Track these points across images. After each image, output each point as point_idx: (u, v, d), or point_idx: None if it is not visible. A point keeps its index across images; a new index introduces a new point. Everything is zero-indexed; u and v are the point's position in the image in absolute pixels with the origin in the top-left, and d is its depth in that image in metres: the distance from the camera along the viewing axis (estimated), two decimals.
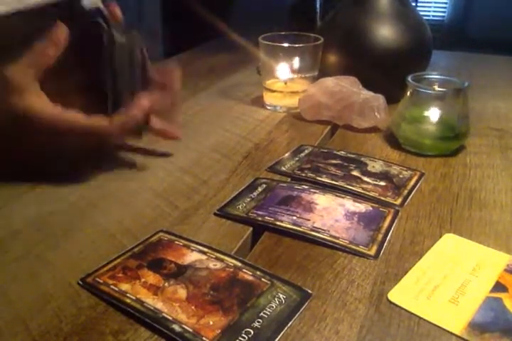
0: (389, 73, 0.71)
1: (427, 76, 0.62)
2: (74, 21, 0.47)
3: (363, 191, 0.52)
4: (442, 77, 0.62)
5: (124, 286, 0.38)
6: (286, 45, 0.72)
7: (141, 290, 0.37)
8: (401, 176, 0.55)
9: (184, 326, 0.34)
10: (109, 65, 0.48)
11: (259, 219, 0.47)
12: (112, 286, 0.38)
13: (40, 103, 0.46)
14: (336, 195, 0.51)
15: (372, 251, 0.43)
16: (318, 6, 1.05)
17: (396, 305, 0.37)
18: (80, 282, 0.39)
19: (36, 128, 0.46)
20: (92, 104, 0.48)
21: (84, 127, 0.47)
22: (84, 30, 0.47)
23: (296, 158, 0.60)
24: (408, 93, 0.61)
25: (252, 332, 0.34)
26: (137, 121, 0.49)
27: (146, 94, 0.51)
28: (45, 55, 0.46)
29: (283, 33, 0.75)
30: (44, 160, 0.51)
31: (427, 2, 3.39)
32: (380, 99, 0.67)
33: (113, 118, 0.48)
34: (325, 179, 0.54)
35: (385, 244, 0.44)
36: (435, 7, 3.40)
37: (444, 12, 3.37)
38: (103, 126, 0.48)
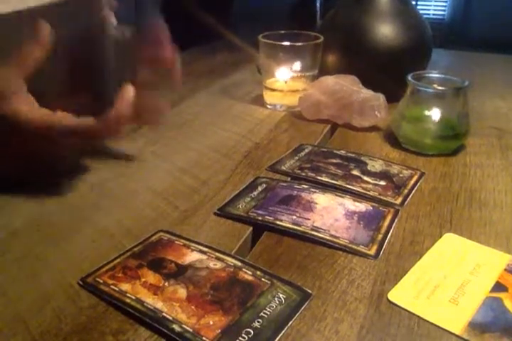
0: (389, 72, 0.71)
1: (427, 75, 0.62)
2: (73, 20, 0.47)
3: (363, 190, 0.52)
4: (442, 75, 0.62)
5: (124, 286, 0.38)
6: (286, 43, 0.72)
7: (141, 290, 0.37)
8: (401, 175, 0.55)
9: (184, 326, 0.34)
10: (106, 64, 0.47)
11: (260, 218, 0.47)
12: (112, 286, 0.38)
13: (26, 106, 0.44)
14: (336, 195, 0.51)
15: (372, 251, 0.43)
16: (318, 4, 1.05)
17: (396, 305, 0.37)
18: (80, 282, 0.39)
19: (24, 132, 0.45)
20: (84, 104, 0.47)
21: (72, 128, 0.45)
22: (83, 29, 0.47)
23: (296, 158, 0.60)
24: (408, 92, 0.61)
25: (252, 332, 0.34)
26: (126, 115, 0.47)
27: (130, 86, 0.48)
28: (31, 56, 0.44)
29: (283, 31, 0.75)
30: (35, 165, 0.50)
31: (428, 1, 3.38)
32: (380, 98, 0.66)
33: (101, 117, 0.46)
34: (325, 178, 0.54)
35: (385, 243, 0.44)
36: (435, 6, 3.39)
37: (444, 11, 3.36)
38: (91, 126, 0.46)
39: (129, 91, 0.47)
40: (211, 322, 0.34)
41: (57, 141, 0.47)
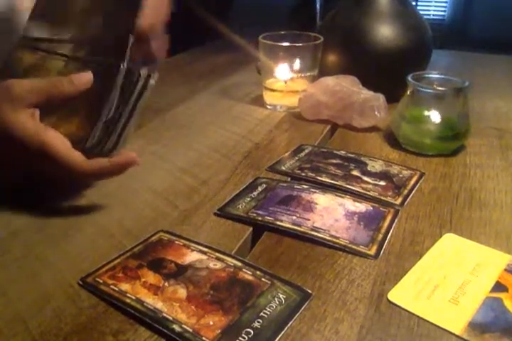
0: (389, 72, 0.71)
1: (427, 75, 0.62)
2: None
3: (362, 191, 0.52)
4: (442, 76, 0.62)
5: (124, 286, 0.38)
6: (286, 44, 0.72)
7: (141, 290, 0.37)
8: (401, 176, 0.55)
9: (184, 326, 0.34)
10: (112, 101, 0.47)
11: (259, 218, 0.47)
12: (112, 286, 0.38)
13: (25, 118, 0.44)
14: (336, 195, 0.51)
15: (372, 251, 0.43)
16: (318, 5, 1.05)
17: (396, 305, 0.37)
18: (80, 282, 0.39)
19: (14, 144, 0.44)
20: (79, 127, 0.47)
21: (60, 156, 0.45)
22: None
23: (296, 158, 0.60)
24: (408, 92, 0.61)
25: (252, 332, 0.34)
26: (113, 174, 0.47)
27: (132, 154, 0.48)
28: (59, 89, 0.45)
29: (283, 32, 0.75)
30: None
31: (427, 1, 3.38)
32: (380, 99, 0.66)
33: (92, 161, 0.46)
34: (325, 179, 0.54)
35: (385, 243, 0.44)
36: (435, 6, 3.39)
37: (444, 11, 3.36)
38: (77, 164, 0.45)
39: (132, 158, 0.47)
40: (211, 322, 0.34)
41: (64, 174, 0.47)
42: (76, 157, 0.45)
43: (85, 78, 0.47)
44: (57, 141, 0.45)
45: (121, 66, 0.47)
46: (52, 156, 0.44)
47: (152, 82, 0.47)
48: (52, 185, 0.51)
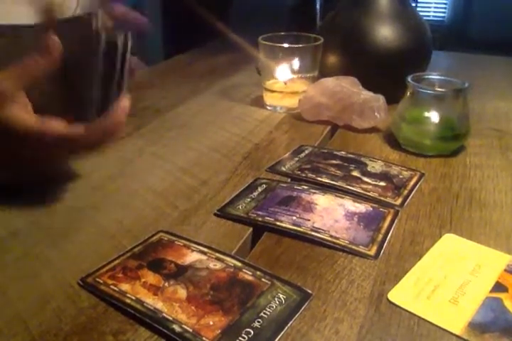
0: (389, 73, 0.71)
1: (427, 76, 0.62)
2: (69, 27, 0.46)
3: (362, 191, 0.52)
4: (442, 77, 0.62)
5: (124, 286, 0.38)
6: (286, 45, 0.72)
7: (141, 291, 0.37)
8: (401, 176, 0.55)
9: (184, 326, 0.34)
10: (100, 70, 0.47)
11: (260, 219, 0.47)
12: (112, 286, 0.38)
13: (22, 113, 0.44)
14: (336, 195, 0.51)
15: (372, 252, 0.43)
16: (318, 6, 1.05)
17: (396, 305, 0.37)
18: (80, 282, 0.39)
19: (19, 138, 0.44)
20: (75, 109, 0.47)
21: (67, 136, 0.45)
22: (79, 35, 0.47)
23: (296, 159, 0.60)
24: (408, 93, 0.61)
25: (252, 332, 0.34)
26: (120, 123, 0.47)
27: (126, 96, 0.48)
28: (36, 67, 0.45)
29: (283, 33, 0.75)
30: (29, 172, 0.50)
31: (427, 2, 3.39)
32: (380, 100, 0.67)
33: (92, 125, 0.46)
34: (325, 179, 0.54)
35: (385, 244, 0.44)
36: (435, 7, 3.40)
37: (444, 12, 3.37)
38: (85, 133, 0.45)
39: (126, 101, 0.47)
40: (211, 323, 0.34)
41: (50, 149, 0.46)
42: (77, 128, 0.45)
43: (53, 44, 0.45)
44: (56, 125, 0.44)
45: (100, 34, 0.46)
46: (58, 140, 0.44)
47: (130, 42, 0.47)
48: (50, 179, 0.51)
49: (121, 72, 0.48)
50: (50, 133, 0.44)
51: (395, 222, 0.47)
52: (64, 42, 0.45)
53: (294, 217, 0.47)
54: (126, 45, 0.48)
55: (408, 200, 0.51)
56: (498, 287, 0.39)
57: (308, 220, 0.46)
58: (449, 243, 0.44)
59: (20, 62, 0.45)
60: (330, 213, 0.48)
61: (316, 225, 0.46)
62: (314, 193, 0.51)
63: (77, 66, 0.46)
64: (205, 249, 0.42)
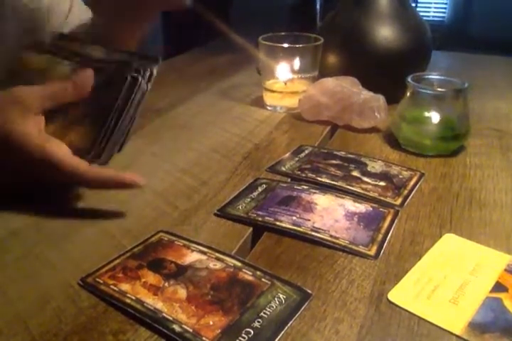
0: (389, 73, 0.71)
1: (426, 76, 0.62)
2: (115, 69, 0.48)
3: (362, 191, 0.52)
4: (442, 77, 0.62)
5: (124, 286, 0.38)
6: (286, 45, 0.72)
7: (141, 290, 0.37)
8: (401, 176, 0.55)
9: (184, 326, 0.34)
10: (123, 108, 0.47)
11: (259, 219, 0.47)
12: (112, 286, 0.38)
13: (33, 131, 0.45)
14: (336, 195, 0.51)
15: (372, 252, 0.43)
16: (318, 6, 1.05)
17: (396, 305, 0.37)
18: (80, 282, 0.39)
19: (19, 154, 0.45)
20: (82, 137, 0.48)
21: (63, 164, 0.45)
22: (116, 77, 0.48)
23: (296, 159, 0.60)
24: (408, 93, 0.61)
25: (252, 332, 0.34)
26: (115, 187, 0.48)
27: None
28: (64, 94, 0.46)
29: (283, 33, 0.75)
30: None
31: (427, 3, 3.39)
32: (380, 100, 0.67)
33: (98, 169, 0.47)
34: (325, 179, 0.54)
35: (385, 244, 0.44)
36: (435, 7, 3.40)
37: (444, 12, 3.37)
38: (81, 171, 0.45)
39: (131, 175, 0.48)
40: (211, 323, 0.34)
41: (50, 171, 0.46)
42: (80, 164, 0.45)
43: (87, 81, 0.47)
44: (60, 149, 0.45)
45: (128, 77, 0.47)
46: (55, 164, 0.44)
47: (148, 87, 0.48)
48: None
49: (135, 113, 0.49)
50: (53, 155, 0.44)
51: (395, 221, 0.47)
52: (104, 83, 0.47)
53: (294, 217, 0.47)
54: (144, 92, 0.48)
55: (408, 200, 0.51)
56: (498, 287, 0.39)
57: (309, 220, 0.46)
58: (449, 243, 0.44)
59: (52, 84, 0.46)
60: (330, 213, 0.48)
61: (316, 225, 0.46)
62: (314, 193, 0.51)
63: (106, 107, 0.47)
64: (205, 249, 0.42)
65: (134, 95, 0.47)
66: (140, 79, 0.47)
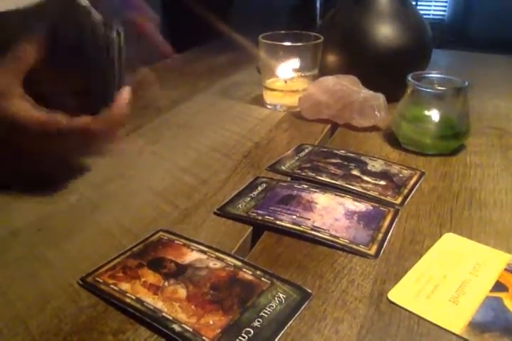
0: (389, 72, 0.71)
1: (427, 75, 0.62)
2: (69, 19, 0.46)
3: (362, 190, 0.52)
4: (442, 76, 0.62)
5: (124, 286, 0.38)
6: (286, 43, 0.72)
7: (141, 290, 0.37)
8: (401, 175, 0.55)
9: (184, 325, 0.34)
10: (100, 64, 0.47)
11: (259, 218, 0.47)
12: (112, 286, 0.38)
13: (24, 107, 0.44)
14: (336, 194, 0.51)
15: (373, 251, 0.43)
16: (318, 5, 1.05)
17: (396, 305, 0.37)
18: (80, 281, 0.39)
19: (22, 133, 0.45)
20: (79, 104, 0.47)
21: (68, 128, 0.45)
22: (78, 29, 0.47)
23: (296, 157, 0.60)
24: (408, 92, 0.61)
25: (252, 332, 0.34)
26: (123, 114, 0.47)
27: (127, 87, 0.48)
28: (28, 57, 0.44)
29: (283, 31, 0.75)
30: (35, 165, 0.50)
31: (428, 1, 3.38)
32: (380, 98, 0.66)
33: (98, 117, 0.46)
34: (325, 178, 0.54)
35: (385, 243, 0.44)
36: (435, 6, 3.39)
37: (444, 11, 3.37)
38: (87, 125, 0.45)
39: (127, 92, 0.47)
40: (211, 322, 0.34)
41: (55, 142, 0.47)
42: (84, 120, 0.45)
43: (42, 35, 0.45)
44: (60, 117, 0.44)
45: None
46: (64, 131, 0.44)
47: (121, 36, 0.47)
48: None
49: (119, 64, 0.48)
50: (52, 123, 0.44)
51: (395, 221, 0.47)
52: (61, 29, 0.45)
53: (294, 216, 0.47)
54: (120, 38, 0.48)
55: (408, 199, 0.51)
56: (498, 286, 0.38)
57: (308, 219, 0.46)
58: (449, 242, 0.44)
59: (11, 54, 0.45)
60: (330, 212, 0.48)
61: (316, 224, 0.46)
62: (314, 192, 0.51)
63: (76, 56, 0.46)
64: (205, 248, 0.42)
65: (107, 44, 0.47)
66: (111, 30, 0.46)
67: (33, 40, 0.45)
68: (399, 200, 0.51)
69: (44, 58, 0.45)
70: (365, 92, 0.67)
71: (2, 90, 0.44)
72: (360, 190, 0.52)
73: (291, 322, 0.35)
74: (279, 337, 0.34)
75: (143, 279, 0.38)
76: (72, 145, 0.49)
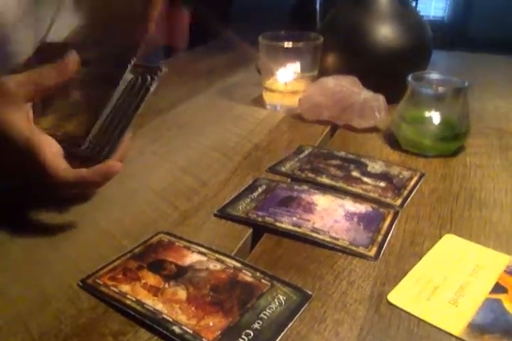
0: (389, 73, 0.71)
1: (427, 76, 0.62)
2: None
3: (362, 192, 0.52)
4: (442, 76, 0.62)
5: (124, 287, 0.38)
6: (286, 44, 0.72)
7: (141, 292, 0.37)
8: (401, 177, 0.55)
9: (184, 327, 0.34)
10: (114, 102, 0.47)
11: (259, 219, 0.47)
12: (112, 287, 0.38)
13: (21, 120, 0.43)
14: (336, 196, 0.51)
15: (372, 252, 0.43)
16: (318, 5, 1.05)
17: (396, 307, 0.37)
18: (80, 283, 0.39)
19: (6, 144, 0.43)
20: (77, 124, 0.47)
21: (44, 162, 0.42)
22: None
23: (296, 159, 0.60)
24: (408, 93, 0.61)
25: (252, 334, 0.34)
26: (120, 167, 0.45)
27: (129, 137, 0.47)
28: (47, 75, 0.44)
29: (283, 32, 0.75)
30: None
31: (428, 2, 3.38)
32: (380, 99, 0.66)
33: (95, 169, 0.44)
34: (325, 180, 0.54)
35: (385, 245, 0.44)
36: (435, 7, 3.40)
37: (444, 11, 3.37)
38: (83, 178, 0.43)
39: (128, 141, 0.47)
40: (211, 324, 0.34)
41: (38, 162, 0.44)
42: (59, 163, 0.43)
43: (71, 62, 0.45)
44: (47, 146, 0.43)
45: (125, 74, 0.46)
46: (40, 159, 0.42)
47: (152, 88, 0.47)
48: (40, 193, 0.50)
49: (135, 111, 0.48)
50: (39, 149, 0.42)
51: (395, 222, 0.47)
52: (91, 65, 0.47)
53: (294, 218, 0.47)
54: (149, 86, 0.47)
55: (408, 201, 0.51)
56: (498, 288, 0.39)
57: (308, 221, 0.46)
58: (449, 243, 0.44)
59: (35, 70, 0.44)
60: (330, 214, 0.48)
61: (316, 226, 0.46)
62: (314, 194, 0.51)
63: (94, 91, 0.47)
64: (205, 250, 0.42)
65: (131, 93, 0.47)
66: (138, 79, 0.46)
67: (61, 65, 0.45)
68: (399, 202, 0.51)
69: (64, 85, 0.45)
70: (365, 93, 0.67)
71: (6, 93, 0.43)
72: (360, 191, 0.52)
73: (291, 324, 0.35)
74: (279, 338, 0.34)
75: (143, 281, 0.38)
76: (61, 193, 0.48)
